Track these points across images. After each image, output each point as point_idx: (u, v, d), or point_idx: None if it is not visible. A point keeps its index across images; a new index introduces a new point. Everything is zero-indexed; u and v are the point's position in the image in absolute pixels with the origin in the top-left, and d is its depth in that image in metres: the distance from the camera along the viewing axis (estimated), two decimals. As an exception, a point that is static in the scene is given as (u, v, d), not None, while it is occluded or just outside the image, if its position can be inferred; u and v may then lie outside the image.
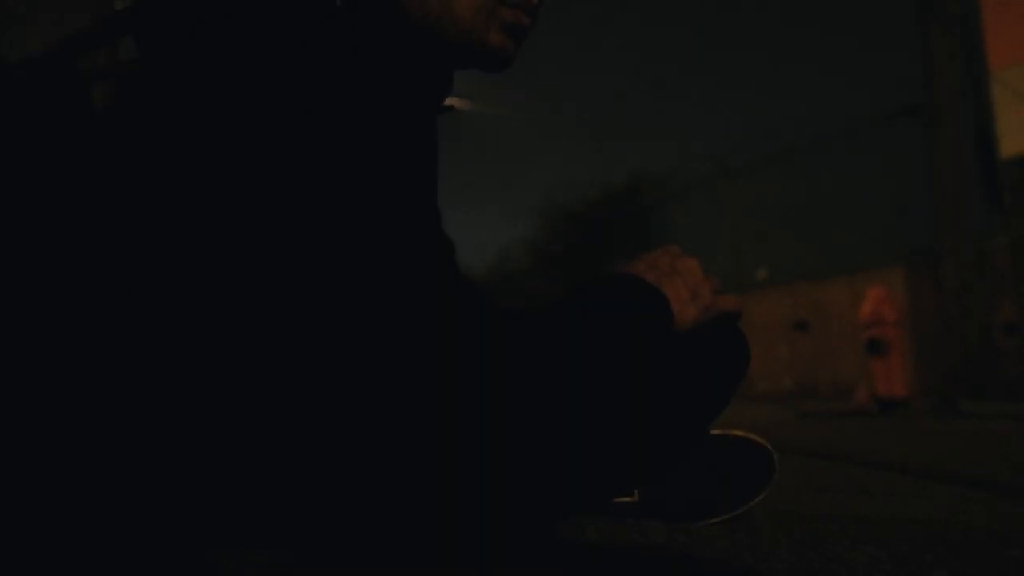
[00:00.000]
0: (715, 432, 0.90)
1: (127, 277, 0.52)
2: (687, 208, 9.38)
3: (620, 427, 0.64)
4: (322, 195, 0.52)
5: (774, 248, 8.49)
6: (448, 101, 0.75)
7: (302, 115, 0.52)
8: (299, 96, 0.52)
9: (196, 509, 0.53)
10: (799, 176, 8.27)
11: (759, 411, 4.53)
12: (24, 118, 0.58)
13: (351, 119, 0.54)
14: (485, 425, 0.57)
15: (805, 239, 8.13)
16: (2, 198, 0.53)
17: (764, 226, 8.49)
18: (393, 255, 0.55)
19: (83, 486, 0.52)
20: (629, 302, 0.65)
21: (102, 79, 0.64)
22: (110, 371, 0.52)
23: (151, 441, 0.52)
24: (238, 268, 0.51)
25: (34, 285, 0.52)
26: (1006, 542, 0.78)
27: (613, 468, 0.67)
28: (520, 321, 0.59)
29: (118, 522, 0.52)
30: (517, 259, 13.71)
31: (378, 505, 0.57)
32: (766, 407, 5.21)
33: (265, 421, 0.53)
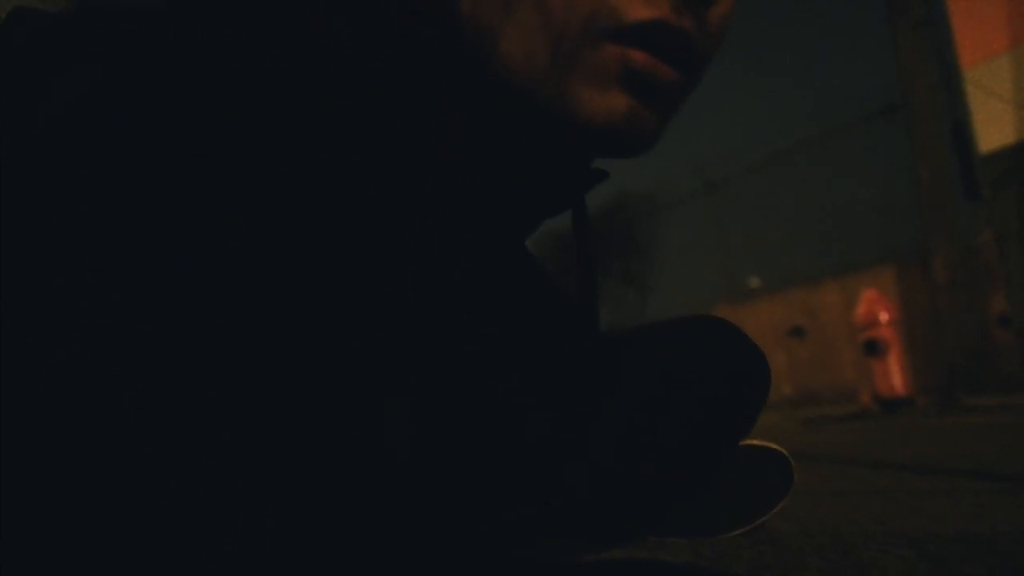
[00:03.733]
0: (731, 443, 0.89)
1: (130, 277, 0.50)
2: (675, 223, 9.45)
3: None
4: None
5: (764, 257, 8.55)
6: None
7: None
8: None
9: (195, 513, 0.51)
10: (782, 185, 8.36)
11: (761, 420, 4.52)
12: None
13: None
14: (507, 439, 0.56)
15: (794, 246, 8.20)
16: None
17: (752, 236, 8.55)
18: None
19: (80, 491, 0.50)
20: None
21: None
22: (106, 370, 0.50)
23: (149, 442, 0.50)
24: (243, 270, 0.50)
25: (30, 284, 0.51)
26: (1034, 535, 0.77)
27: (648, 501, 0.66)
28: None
29: (117, 526, 0.51)
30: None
31: (384, 516, 0.56)
32: (767, 415, 5.20)
33: (267, 421, 0.51)
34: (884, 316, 4.46)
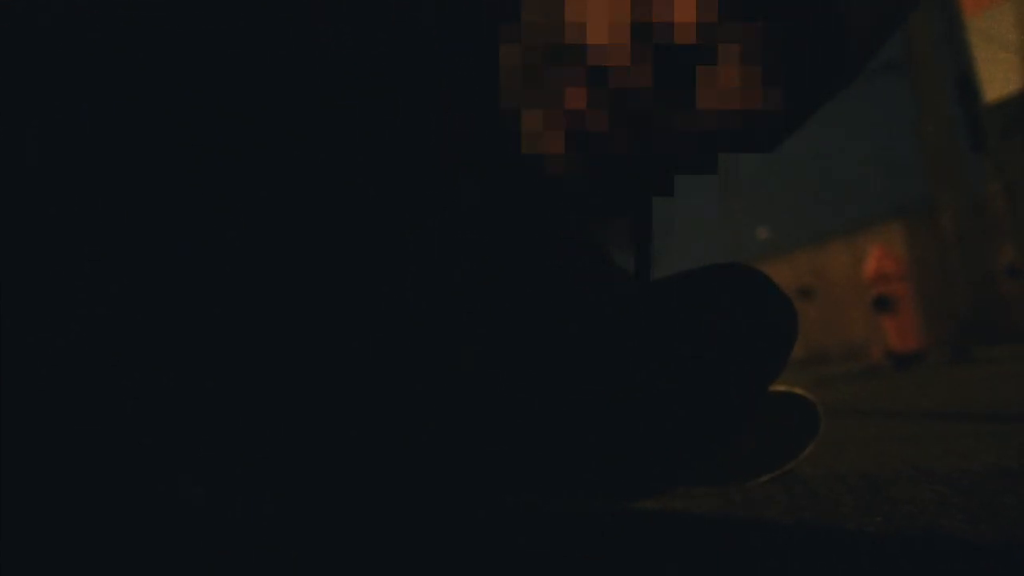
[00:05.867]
0: (757, 390, 0.89)
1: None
2: (679, 188, 9.35)
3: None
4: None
5: (772, 220, 8.50)
6: None
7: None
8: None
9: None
10: (788, 146, 8.26)
11: (776, 385, 4.52)
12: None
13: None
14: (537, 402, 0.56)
15: (800, 205, 8.14)
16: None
17: (759, 195, 8.49)
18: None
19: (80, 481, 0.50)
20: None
21: None
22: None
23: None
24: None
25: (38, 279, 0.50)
26: (1066, 466, 0.77)
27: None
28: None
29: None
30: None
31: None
32: (780, 379, 5.20)
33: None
34: (895, 271, 4.44)
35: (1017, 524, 0.56)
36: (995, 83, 6.45)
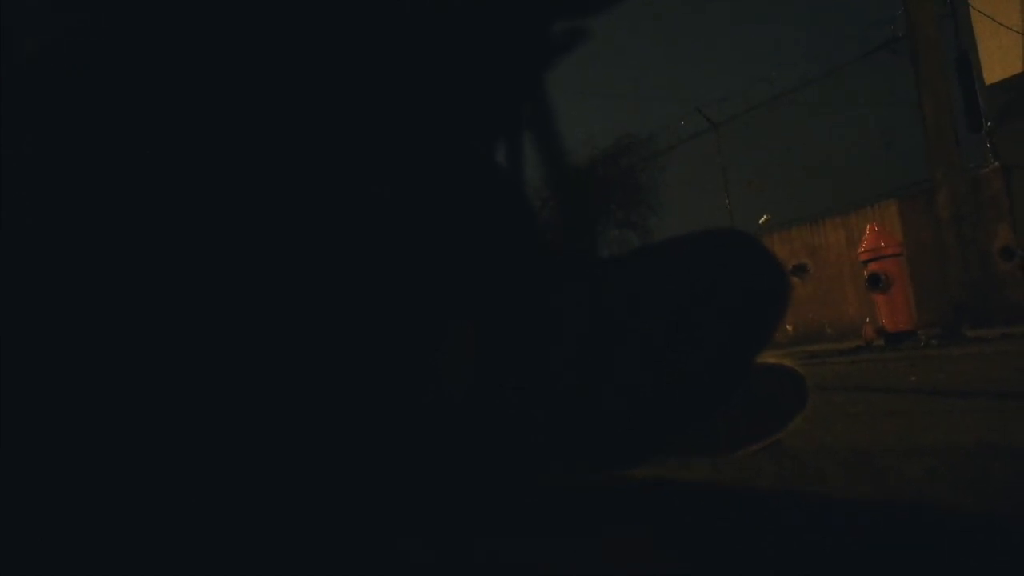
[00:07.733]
0: (747, 361, 0.89)
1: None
2: (677, 164, 9.34)
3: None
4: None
5: (769, 195, 8.46)
6: None
7: None
8: None
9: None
10: (786, 122, 8.22)
11: (765, 357, 4.53)
12: None
13: None
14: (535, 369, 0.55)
15: (798, 184, 8.11)
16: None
17: (757, 174, 8.45)
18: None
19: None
20: None
21: None
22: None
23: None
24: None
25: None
26: (1055, 441, 0.77)
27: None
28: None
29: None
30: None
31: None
32: (771, 353, 5.22)
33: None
34: (889, 249, 4.43)
35: (1003, 496, 0.56)
36: (997, 63, 6.41)
